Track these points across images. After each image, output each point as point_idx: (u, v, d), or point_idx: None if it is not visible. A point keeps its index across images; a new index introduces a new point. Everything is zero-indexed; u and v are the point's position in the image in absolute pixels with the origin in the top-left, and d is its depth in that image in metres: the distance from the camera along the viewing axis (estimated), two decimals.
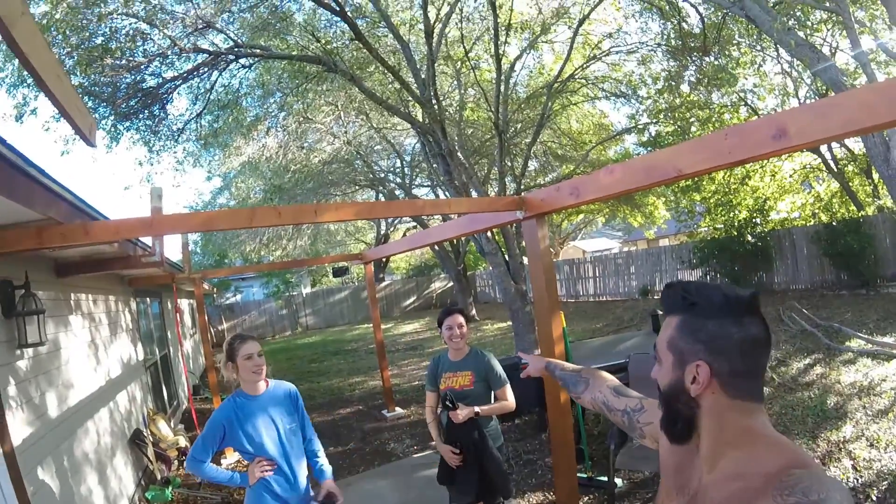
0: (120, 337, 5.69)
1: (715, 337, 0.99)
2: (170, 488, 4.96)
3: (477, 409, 3.05)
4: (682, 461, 1.08)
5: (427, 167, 13.42)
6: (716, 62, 9.96)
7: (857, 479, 4.17)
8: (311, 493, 2.80)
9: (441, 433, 3.23)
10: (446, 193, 10.20)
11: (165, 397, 7.40)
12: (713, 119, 11.49)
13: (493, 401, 3.22)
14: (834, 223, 12.76)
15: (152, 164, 9.55)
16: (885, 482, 4.04)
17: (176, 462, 5.56)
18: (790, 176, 15.25)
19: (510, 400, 3.22)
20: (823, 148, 13.35)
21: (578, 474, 4.10)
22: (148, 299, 7.62)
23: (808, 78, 11.59)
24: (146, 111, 8.45)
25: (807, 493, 0.83)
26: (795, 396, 6.19)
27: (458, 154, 8.58)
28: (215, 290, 18.82)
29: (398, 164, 16.36)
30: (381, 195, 16.65)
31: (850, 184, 13.63)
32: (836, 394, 5.99)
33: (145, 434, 5.30)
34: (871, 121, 1.84)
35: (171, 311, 9.30)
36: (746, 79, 11.27)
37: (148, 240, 4.80)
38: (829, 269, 12.66)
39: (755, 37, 9.82)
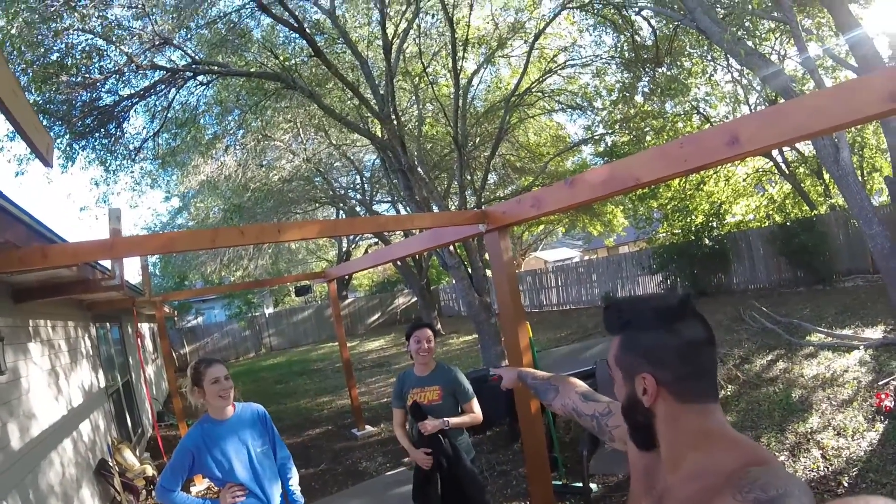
0: (81, 364, 5.46)
1: (651, 349, 1.03)
2: None
3: (446, 419, 3.07)
4: (650, 464, 1.11)
5: (387, 183, 13.41)
6: (668, 73, 10.28)
7: (828, 468, 4.29)
8: None
9: (411, 444, 3.23)
10: (407, 209, 10.19)
11: (130, 425, 7.11)
12: (667, 128, 11.86)
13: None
14: (788, 223, 13.35)
15: (109, 185, 9.29)
16: (856, 468, 4.17)
17: (144, 492, 5.34)
18: (744, 180, 15.86)
19: (478, 412, 3.26)
20: (775, 152, 13.92)
21: (553, 482, 4.09)
22: (108, 324, 7.35)
23: (758, 85, 12.10)
24: (102, 130, 8.19)
25: (765, 489, 0.85)
26: (761, 392, 6.35)
27: (419, 169, 8.59)
28: (176, 313, 18.30)
29: (358, 180, 16.32)
30: (341, 212, 16.54)
31: (802, 185, 14.24)
32: (801, 387, 6.18)
33: (111, 464, 5.09)
34: (821, 125, 1.92)
35: (131, 336, 9.00)
36: (699, 88, 11.65)
37: (107, 263, 4.65)
38: (785, 267, 13.15)
39: (706, 47, 10.20)
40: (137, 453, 6.10)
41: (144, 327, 11.68)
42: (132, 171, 9.74)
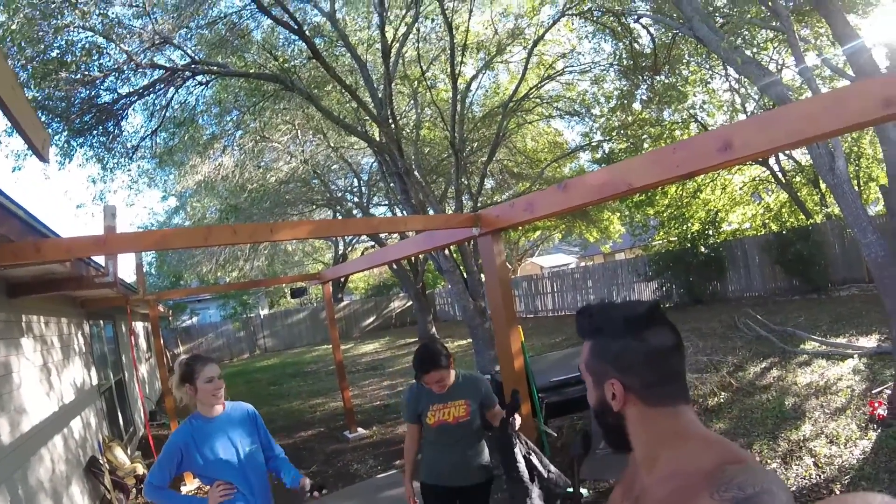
0: (73, 361, 5.44)
1: (620, 356, 1.04)
2: None
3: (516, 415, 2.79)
4: (630, 468, 1.13)
5: (384, 186, 13.44)
6: (666, 80, 10.35)
7: (820, 476, 4.30)
8: None
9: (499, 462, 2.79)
10: (403, 212, 10.18)
11: (121, 424, 7.08)
12: (664, 135, 11.92)
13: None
14: (784, 232, 13.45)
15: (105, 182, 9.25)
16: (848, 476, 4.17)
17: (134, 490, 5.30)
18: (740, 188, 15.95)
19: (502, 414, 2.93)
20: (772, 160, 14.02)
21: None
22: (101, 322, 7.32)
23: (755, 94, 12.17)
24: (100, 127, 8.18)
25: (743, 488, 0.85)
26: (754, 399, 6.36)
27: (415, 173, 8.59)
28: (171, 312, 18.26)
29: (355, 182, 16.32)
30: (338, 214, 16.52)
31: (799, 194, 14.35)
32: (794, 395, 6.19)
33: (101, 462, 5.05)
34: (814, 131, 1.93)
35: (125, 335, 8.97)
36: (696, 96, 11.75)
37: (101, 259, 4.65)
38: (781, 276, 13.23)
39: (703, 56, 10.28)
40: (128, 452, 6.07)
41: (138, 326, 11.64)
42: (129, 170, 9.74)
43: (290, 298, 25.30)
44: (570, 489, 4.32)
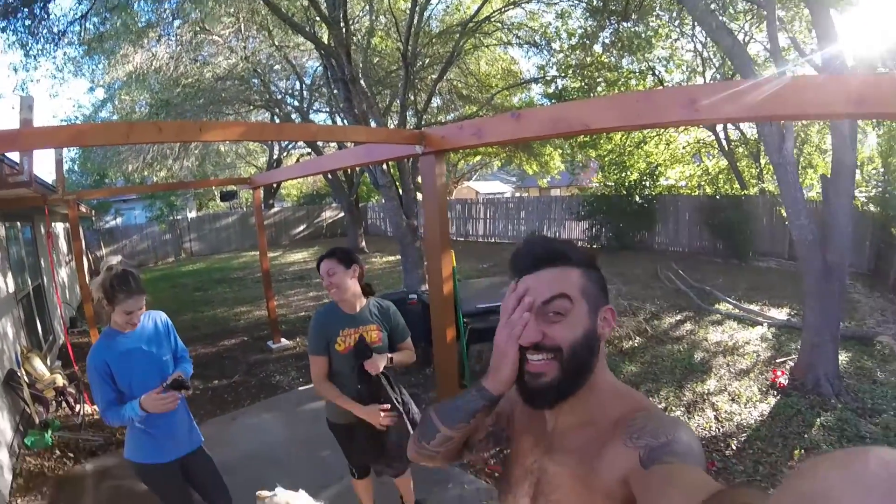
0: None
1: (605, 287, 1.05)
2: (49, 432, 4.62)
3: (389, 355, 2.74)
4: (533, 414, 1.09)
5: (327, 92, 12.69)
6: (633, 28, 10.16)
7: (719, 429, 4.68)
8: (193, 420, 2.82)
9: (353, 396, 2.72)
10: (344, 121, 9.77)
11: (40, 332, 6.71)
12: (619, 83, 11.86)
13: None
14: (718, 197, 14.14)
15: (28, 71, 8.41)
16: (745, 434, 4.56)
17: (54, 403, 5.14)
18: (683, 147, 16.28)
19: (412, 349, 2.95)
20: (719, 127, 14.28)
21: None
22: (19, 224, 6.79)
23: (717, 61, 12.28)
24: (26, 9, 7.31)
25: (656, 436, 0.87)
26: (666, 348, 6.77)
27: (361, 82, 8.14)
28: (94, 212, 17.21)
29: (297, 86, 15.40)
30: (276, 117, 15.63)
31: (738, 164, 14.77)
32: (703, 350, 6.64)
33: (20, 374, 4.83)
34: (781, 110, 1.97)
35: (44, 237, 8.42)
36: (661, 49, 11.66)
37: (15, 156, 4.26)
38: (707, 237, 13.93)
39: (675, 12, 10.11)
40: (48, 362, 5.82)
41: (59, 227, 10.95)
42: (55, 57, 8.85)
43: (219, 202, 24.27)
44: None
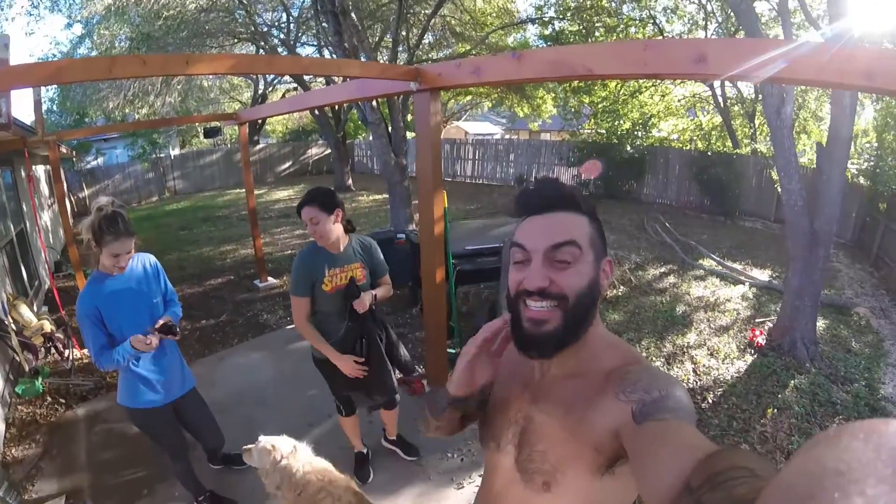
0: None
1: (604, 237, 1.03)
2: (39, 379, 4.61)
3: (373, 292, 2.80)
4: (520, 360, 1.06)
5: (315, 25, 12.27)
6: None
7: (697, 382, 4.81)
8: (185, 364, 2.84)
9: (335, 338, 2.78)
10: (333, 55, 9.45)
11: (25, 278, 6.58)
12: (618, 29, 11.63)
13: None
14: (709, 153, 14.07)
15: (3, 9, 8.03)
16: (721, 389, 4.69)
17: (43, 350, 5.11)
18: (679, 100, 16.09)
19: (390, 283, 2.99)
20: (717, 84, 14.07)
21: (448, 349, 4.30)
22: None
23: (720, 17, 12.03)
24: None
25: (648, 391, 0.86)
26: (649, 299, 6.87)
27: (352, 14, 7.87)
28: (74, 153, 16.76)
29: (284, 18, 14.68)
30: (261, 50, 15.09)
31: (733, 122, 14.65)
32: (685, 304, 6.74)
33: (7, 322, 4.77)
34: (791, 74, 1.93)
35: (25, 181, 8.24)
36: None
37: None
38: (695, 192, 13.94)
39: None
40: (34, 308, 5.75)
41: (39, 170, 10.69)
42: None
43: (203, 138, 23.54)
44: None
